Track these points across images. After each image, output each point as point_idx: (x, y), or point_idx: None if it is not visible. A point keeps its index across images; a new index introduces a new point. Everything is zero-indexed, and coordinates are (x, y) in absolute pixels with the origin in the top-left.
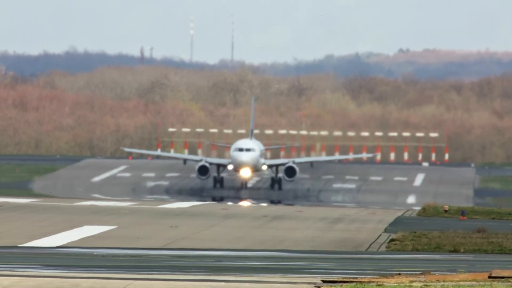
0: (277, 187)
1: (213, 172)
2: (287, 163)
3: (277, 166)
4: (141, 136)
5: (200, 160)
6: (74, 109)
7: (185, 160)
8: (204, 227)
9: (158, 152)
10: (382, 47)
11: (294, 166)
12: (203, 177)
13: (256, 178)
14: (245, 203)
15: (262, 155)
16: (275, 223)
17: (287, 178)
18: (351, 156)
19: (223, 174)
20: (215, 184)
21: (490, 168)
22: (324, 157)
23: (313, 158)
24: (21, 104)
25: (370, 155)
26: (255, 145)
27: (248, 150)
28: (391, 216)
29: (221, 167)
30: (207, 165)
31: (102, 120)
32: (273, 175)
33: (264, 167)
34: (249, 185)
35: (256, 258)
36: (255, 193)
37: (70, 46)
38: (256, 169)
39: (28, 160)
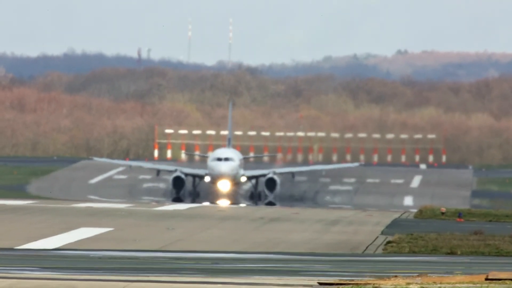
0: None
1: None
2: (267, 174)
3: (257, 177)
4: (138, 137)
5: (175, 171)
6: (72, 110)
7: (158, 171)
8: (201, 229)
9: (130, 162)
10: (380, 49)
11: (275, 177)
12: (178, 192)
13: (235, 190)
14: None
15: (241, 165)
16: (271, 225)
17: (267, 192)
18: (335, 166)
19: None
20: (193, 201)
21: (488, 170)
22: (306, 167)
23: (294, 168)
24: (19, 105)
25: (355, 164)
26: (234, 155)
27: (227, 159)
28: (388, 218)
29: (197, 178)
30: (183, 176)
31: (99, 121)
32: (253, 188)
33: (243, 179)
34: (226, 199)
35: (253, 260)
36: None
37: (68, 48)
38: (235, 181)
39: (25, 161)
